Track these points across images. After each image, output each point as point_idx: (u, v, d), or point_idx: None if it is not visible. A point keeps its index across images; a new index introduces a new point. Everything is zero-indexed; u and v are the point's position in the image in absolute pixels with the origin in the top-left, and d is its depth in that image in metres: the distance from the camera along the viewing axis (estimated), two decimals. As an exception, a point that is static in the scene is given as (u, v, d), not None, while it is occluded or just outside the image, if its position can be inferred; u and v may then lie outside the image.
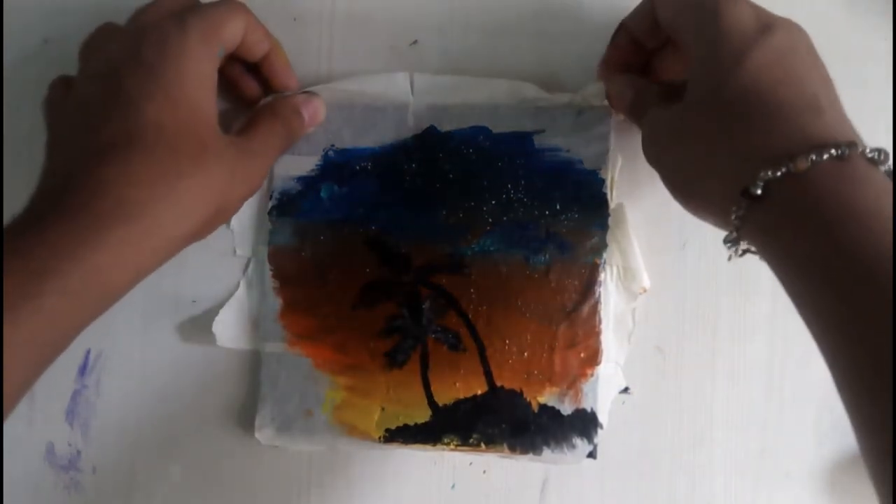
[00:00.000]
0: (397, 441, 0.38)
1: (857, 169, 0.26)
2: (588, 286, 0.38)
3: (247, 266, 0.39)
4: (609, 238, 0.38)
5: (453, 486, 0.39)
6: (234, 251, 0.39)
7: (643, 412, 0.40)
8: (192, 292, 0.39)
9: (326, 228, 0.38)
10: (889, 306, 0.23)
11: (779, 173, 0.27)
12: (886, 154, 0.27)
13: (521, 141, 0.39)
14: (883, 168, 0.27)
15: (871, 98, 0.40)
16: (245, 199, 0.35)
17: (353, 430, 0.38)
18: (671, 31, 0.34)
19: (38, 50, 0.40)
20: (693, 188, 0.31)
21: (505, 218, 0.38)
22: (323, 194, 0.39)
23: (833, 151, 0.26)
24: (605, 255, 0.38)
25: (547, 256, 0.38)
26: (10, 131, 0.40)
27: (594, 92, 0.38)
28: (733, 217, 0.28)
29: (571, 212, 0.38)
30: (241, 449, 0.39)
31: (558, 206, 0.38)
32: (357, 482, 0.39)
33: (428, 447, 0.38)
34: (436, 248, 0.38)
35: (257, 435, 0.38)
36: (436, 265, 0.38)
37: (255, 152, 0.35)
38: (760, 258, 0.29)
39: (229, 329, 0.38)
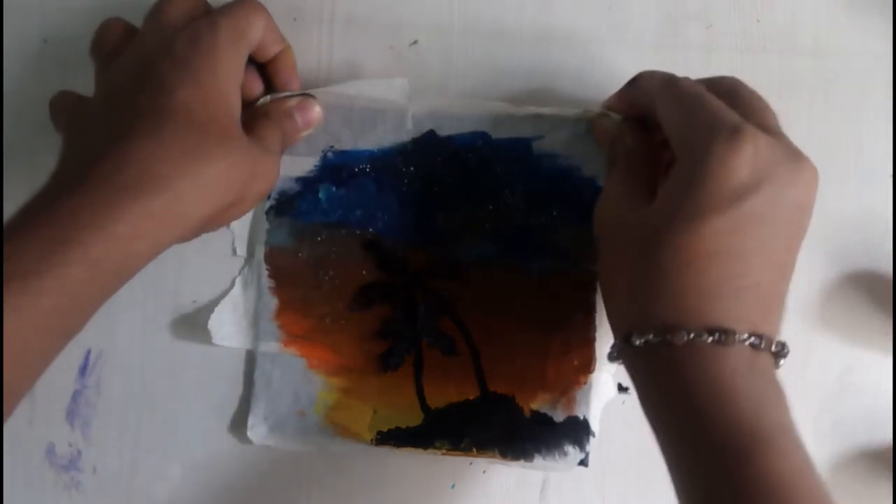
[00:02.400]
0: (389, 444, 0.38)
1: (737, 357, 0.28)
2: (583, 294, 0.38)
3: (243, 265, 0.39)
4: None
5: (453, 486, 0.39)
6: (234, 251, 0.39)
7: (643, 413, 0.39)
8: (192, 293, 0.39)
9: (324, 230, 0.38)
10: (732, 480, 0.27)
11: (657, 339, 0.29)
12: (782, 346, 0.29)
13: (520, 146, 0.39)
14: (774, 357, 0.29)
15: (871, 98, 0.40)
16: (263, 195, 0.36)
17: (345, 432, 0.38)
18: (667, 135, 0.32)
19: (38, 50, 0.40)
20: (606, 294, 0.34)
21: (502, 224, 0.38)
22: (321, 195, 0.39)
23: (718, 336, 0.28)
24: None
25: (543, 263, 0.38)
26: (11, 131, 0.40)
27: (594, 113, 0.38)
28: (614, 349, 0.32)
29: (568, 219, 0.38)
30: (241, 449, 0.39)
31: (555, 214, 0.38)
32: (357, 482, 0.39)
33: (419, 451, 0.38)
34: (432, 252, 0.38)
35: (249, 434, 0.38)
36: (432, 269, 0.38)
37: (271, 151, 0.35)
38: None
39: (224, 327, 0.38)
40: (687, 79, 0.33)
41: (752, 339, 0.28)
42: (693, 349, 0.28)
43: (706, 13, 0.41)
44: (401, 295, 0.38)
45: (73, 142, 0.32)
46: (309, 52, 0.40)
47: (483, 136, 0.39)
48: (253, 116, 0.36)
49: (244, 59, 0.34)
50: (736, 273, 0.29)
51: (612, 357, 0.33)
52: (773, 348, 0.29)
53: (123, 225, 0.28)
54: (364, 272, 0.38)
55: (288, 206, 0.39)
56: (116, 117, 0.31)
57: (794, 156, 0.29)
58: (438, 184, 0.39)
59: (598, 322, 0.38)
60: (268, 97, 0.38)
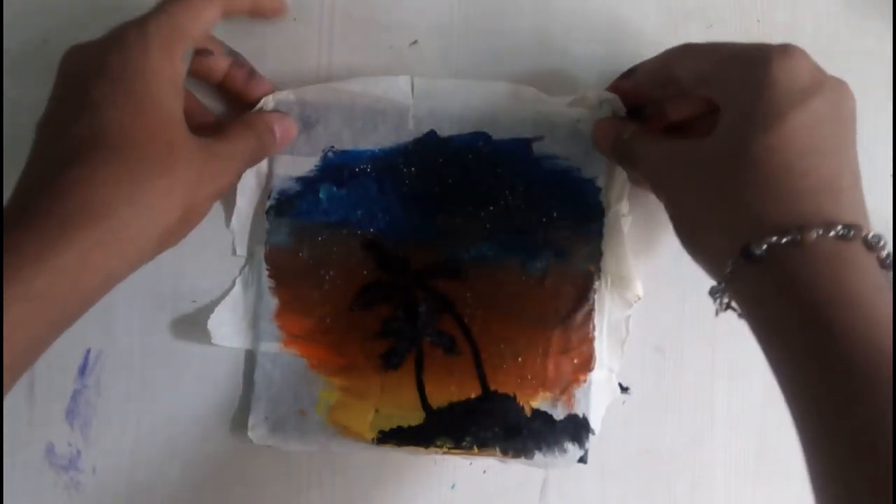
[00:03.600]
0: (390, 443, 0.38)
1: (857, 254, 0.27)
2: (583, 293, 0.38)
3: (244, 265, 0.39)
4: (604, 246, 0.38)
5: (453, 486, 0.39)
6: (234, 251, 0.39)
7: (643, 412, 0.40)
8: (192, 292, 0.39)
9: (324, 229, 0.38)
10: (875, 400, 0.25)
11: (784, 240, 0.27)
12: (884, 241, 0.28)
13: (520, 147, 0.39)
14: (882, 254, 0.28)
15: (872, 98, 0.40)
16: (214, 199, 0.34)
17: (346, 431, 0.38)
18: (701, 83, 0.33)
19: (38, 50, 0.40)
20: (695, 229, 0.32)
21: (502, 224, 0.38)
22: (321, 195, 0.39)
23: (840, 230, 0.27)
24: (600, 263, 0.38)
25: (543, 263, 0.38)
26: (10, 131, 0.40)
27: (593, 97, 0.38)
28: (727, 270, 0.29)
29: (568, 219, 0.38)
30: (241, 448, 0.39)
31: (555, 214, 0.38)
32: (357, 482, 0.39)
33: (421, 449, 0.38)
34: (433, 252, 0.38)
35: (250, 434, 0.38)
36: (432, 269, 0.38)
37: (225, 154, 0.34)
38: (740, 317, 0.30)
39: (224, 327, 0.38)
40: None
41: (871, 235, 0.28)
42: (820, 249, 0.27)
43: (706, 13, 0.41)
44: (402, 294, 0.38)
45: (24, 171, 0.31)
46: (309, 52, 0.40)
47: (484, 136, 0.39)
48: (231, 123, 0.36)
49: (184, 60, 0.33)
50: (832, 171, 0.29)
51: (718, 291, 0.30)
52: (882, 246, 0.28)
53: (68, 257, 0.28)
54: (365, 272, 0.38)
55: (288, 205, 0.39)
56: (55, 146, 0.30)
57: (833, 77, 0.30)
58: (439, 184, 0.39)
59: (596, 321, 0.38)
60: (269, 99, 0.38)
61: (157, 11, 0.33)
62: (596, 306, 0.38)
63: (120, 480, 0.39)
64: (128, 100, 0.31)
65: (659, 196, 0.34)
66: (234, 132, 0.35)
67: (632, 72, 0.37)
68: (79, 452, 0.39)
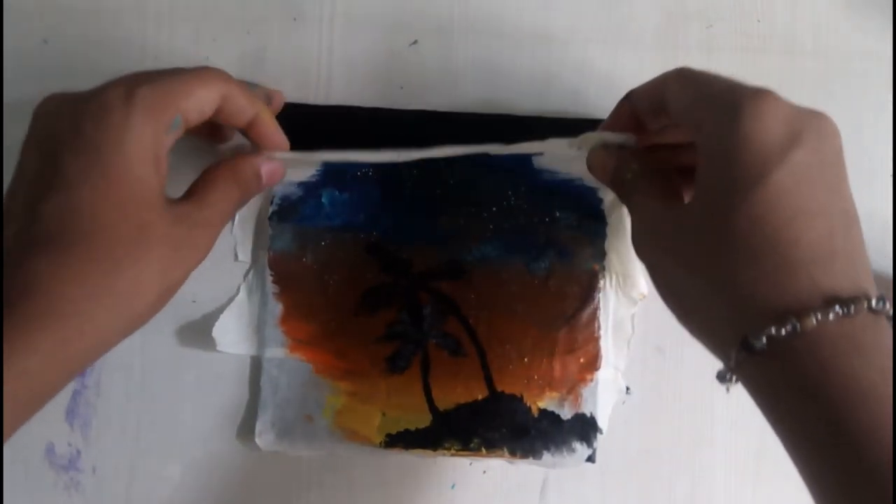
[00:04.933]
0: (398, 446, 0.38)
1: (863, 329, 0.25)
2: (587, 292, 0.38)
3: (248, 271, 0.39)
4: (607, 245, 0.38)
5: (453, 486, 0.39)
6: (236, 256, 0.39)
7: (643, 412, 0.40)
8: (194, 297, 0.39)
9: (327, 234, 0.38)
10: (886, 496, 0.23)
11: (783, 331, 0.25)
12: (888, 303, 0.26)
13: (520, 162, 0.39)
14: (889, 313, 0.26)
15: (871, 98, 0.40)
16: (192, 269, 0.32)
17: (353, 436, 0.38)
18: (682, 122, 0.30)
19: (38, 50, 0.40)
20: (689, 313, 0.30)
21: (505, 224, 0.38)
22: (324, 200, 0.38)
23: (839, 309, 0.25)
24: (604, 262, 0.38)
25: (547, 263, 0.38)
26: (11, 131, 0.40)
27: (595, 139, 0.36)
28: (731, 361, 0.27)
29: (570, 219, 0.38)
30: (241, 449, 0.39)
31: (558, 214, 0.38)
32: (357, 482, 0.39)
33: (428, 452, 0.38)
34: (436, 253, 0.38)
35: (257, 440, 0.38)
36: (436, 271, 0.38)
37: (205, 222, 0.32)
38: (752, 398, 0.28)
39: (229, 334, 0.38)
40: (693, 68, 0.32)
41: (874, 301, 0.25)
42: (823, 332, 0.25)
43: (706, 13, 0.41)
44: (406, 297, 0.38)
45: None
46: (309, 52, 0.40)
47: (482, 157, 0.38)
48: (214, 175, 0.33)
49: (168, 134, 0.30)
50: (823, 232, 0.26)
51: (725, 377, 0.28)
52: (888, 308, 0.26)
53: (33, 360, 0.27)
54: (368, 275, 0.38)
55: (291, 211, 0.38)
56: (24, 224, 0.28)
57: (811, 111, 0.28)
58: (441, 185, 0.39)
59: (602, 319, 0.38)
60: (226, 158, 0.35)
61: (146, 77, 0.30)
62: (601, 305, 0.38)
63: (119, 481, 0.39)
64: (102, 176, 0.28)
65: (642, 259, 0.32)
66: (215, 188, 0.33)
67: (628, 97, 0.34)
68: (79, 452, 0.39)
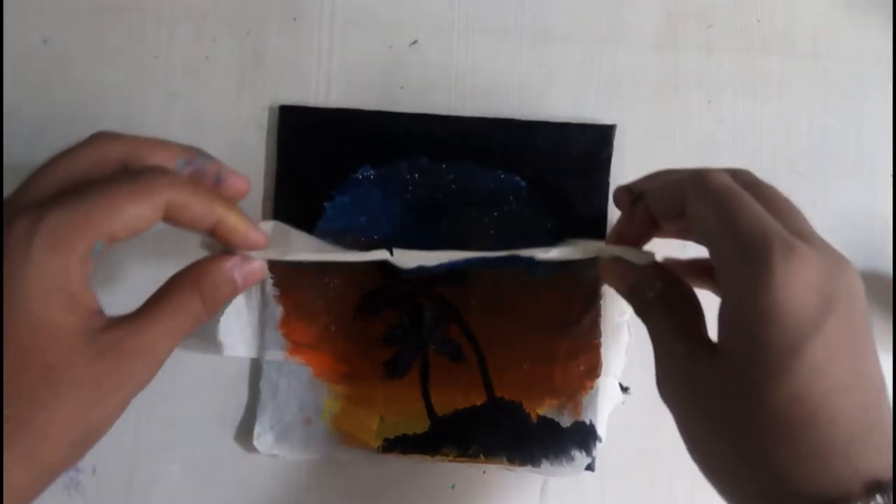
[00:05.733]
0: (396, 451, 0.38)
1: None
2: (589, 299, 0.38)
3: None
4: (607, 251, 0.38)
5: (453, 487, 0.39)
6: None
7: (643, 414, 0.39)
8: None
9: (328, 237, 0.38)
10: None
11: None
12: None
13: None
14: None
15: (872, 98, 0.40)
16: (124, 405, 0.27)
17: (351, 440, 0.38)
18: (703, 244, 0.28)
19: (38, 50, 0.40)
20: (714, 472, 0.28)
21: (506, 230, 0.38)
22: (325, 202, 0.38)
23: (880, 499, 0.23)
24: None
25: (548, 269, 0.38)
26: (10, 131, 0.40)
27: (606, 253, 0.34)
28: None
29: (573, 225, 0.38)
30: (240, 451, 0.39)
31: (559, 219, 0.38)
32: (357, 483, 0.39)
33: (427, 458, 0.38)
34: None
35: (255, 443, 0.38)
36: (437, 276, 0.38)
37: (144, 347, 0.27)
38: None
39: (230, 336, 0.38)
40: (713, 171, 0.29)
41: None
42: None
43: (706, 13, 0.41)
44: (406, 301, 0.38)
45: None
46: (309, 52, 0.40)
47: (482, 157, 0.38)
48: (175, 284, 0.29)
49: (89, 257, 0.26)
50: (858, 407, 0.25)
51: None
52: None
53: None
54: (369, 279, 0.38)
55: (292, 213, 0.38)
56: None
57: (838, 262, 0.26)
58: (443, 189, 0.38)
59: (603, 327, 0.38)
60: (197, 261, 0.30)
61: (60, 201, 0.25)
62: (602, 312, 0.38)
63: (119, 481, 0.39)
64: (4, 315, 0.25)
65: (669, 408, 0.30)
66: (170, 302, 0.28)
67: (640, 198, 0.31)
68: (79, 453, 0.39)
